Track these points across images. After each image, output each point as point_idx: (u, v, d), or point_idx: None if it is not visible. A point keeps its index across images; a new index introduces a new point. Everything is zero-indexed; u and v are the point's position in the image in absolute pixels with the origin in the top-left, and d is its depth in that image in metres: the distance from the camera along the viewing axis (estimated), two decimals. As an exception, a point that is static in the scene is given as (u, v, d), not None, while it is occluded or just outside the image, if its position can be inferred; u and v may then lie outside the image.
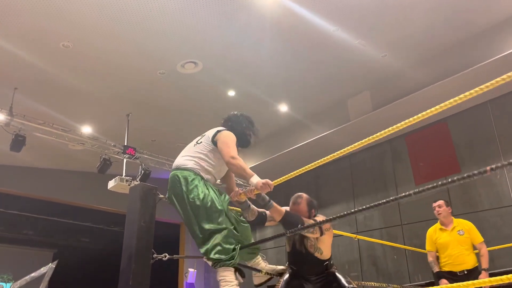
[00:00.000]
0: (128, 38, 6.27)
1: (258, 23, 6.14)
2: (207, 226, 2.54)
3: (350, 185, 9.01)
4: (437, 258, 4.53)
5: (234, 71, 7.25)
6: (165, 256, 2.59)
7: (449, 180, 1.52)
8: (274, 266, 3.07)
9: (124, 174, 8.26)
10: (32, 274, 5.90)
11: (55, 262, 6.08)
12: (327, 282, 2.98)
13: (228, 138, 2.83)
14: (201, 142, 2.91)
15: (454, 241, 4.36)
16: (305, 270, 3.01)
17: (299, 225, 2.70)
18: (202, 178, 2.72)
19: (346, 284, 2.88)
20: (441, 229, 4.49)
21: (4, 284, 9.24)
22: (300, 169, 2.41)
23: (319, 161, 2.24)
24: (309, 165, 2.33)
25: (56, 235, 11.08)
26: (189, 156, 2.84)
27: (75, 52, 6.47)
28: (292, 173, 2.45)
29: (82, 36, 6.15)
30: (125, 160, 8.37)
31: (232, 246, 2.54)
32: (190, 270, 10.06)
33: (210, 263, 2.53)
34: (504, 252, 6.29)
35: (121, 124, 8.36)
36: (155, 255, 2.43)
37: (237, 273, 2.55)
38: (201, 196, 2.60)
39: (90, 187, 10.15)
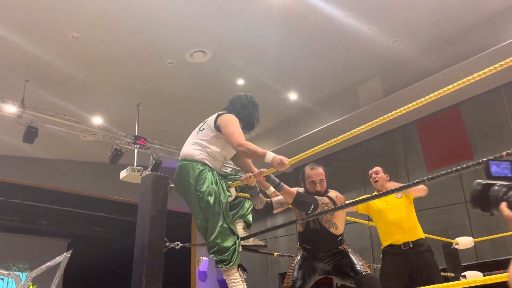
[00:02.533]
0: (136, 28, 6.26)
1: (266, 10, 6.08)
2: (207, 222, 2.54)
3: (361, 172, 8.96)
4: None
5: (243, 59, 7.22)
6: (178, 245, 2.61)
7: (463, 165, 1.50)
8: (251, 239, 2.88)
9: (135, 164, 8.33)
10: (48, 263, 6.02)
11: (70, 252, 6.19)
12: (339, 262, 2.96)
13: (231, 124, 2.76)
14: (203, 129, 2.85)
15: (391, 206, 3.77)
16: (319, 247, 3.00)
17: (312, 205, 2.71)
18: (210, 168, 2.69)
19: (360, 269, 2.84)
20: None
21: (20, 273, 9.42)
22: (314, 149, 2.38)
23: (330, 141, 2.22)
24: (321, 145, 2.31)
25: (70, 225, 11.23)
26: (194, 145, 2.78)
27: (84, 43, 6.49)
28: (305, 153, 2.43)
29: (91, 27, 6.16)
30: (136, 150, 8.42)
31: (230, 244, 2.53)
32: (203, 258, 10.15)
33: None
34: (517, 238, 6.24)
35: (132, 114, 8.41)
36: (167, 244, 2.45)
37: (240, 269, 2.55)
38: (206, 191, 2.58)
39: (102, 177, 10.25)
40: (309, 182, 2.99)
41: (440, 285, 1.58)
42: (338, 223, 3.00)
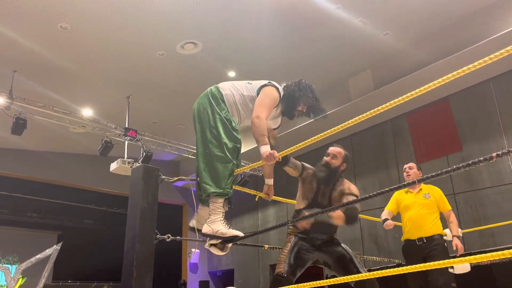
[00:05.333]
0: (127, 19, 6.19)
1: (258, 2, 6.05)
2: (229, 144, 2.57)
3: (351, 164, 9.02)
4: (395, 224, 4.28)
5: (234, 51, 7.19)
6: (168, 237, 2.60)
7: (454, 167, 1.51)
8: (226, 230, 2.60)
9: (126, 156, 8.28)
10: (38, 256, 5.98)
11: (60, 244, 6.15)
12: (337, 253, 2.95)
13: (267, 97, 2.74)
14: (251, 83, 2.86)
15: (417, 203, 4.08)
16: (319, 228, 2.96)
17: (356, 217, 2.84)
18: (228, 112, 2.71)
19: (361, 270, 2.84)
20: (407, 191, 4.26)
21: (10, 266, 9.37)
22: (305, 141, 2.40)
23: (323, 133, 2.23)
24: (312, 138, 2.32)
25: (60, 218, 11.17)
26: (235, 88, 2.80)
27: (73, 34, 6.41)
28: (296, 146, 2.45)
29: (80, 18, 6.08)
30: (126, 143, 8.37)
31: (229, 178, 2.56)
32: (194, 250, 10.18)
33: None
34: (504, 229, 6.34)
35: (122, 106, 8.34)
36: (158, 236, 2.45)
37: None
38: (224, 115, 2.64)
39: (92, 169, 10.20)
40: (326, 153, 3.21)
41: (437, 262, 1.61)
42: (335, 215, 2.98)
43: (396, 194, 4.36)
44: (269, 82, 2.84)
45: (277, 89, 2.85)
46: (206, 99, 2.75)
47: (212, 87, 2.81)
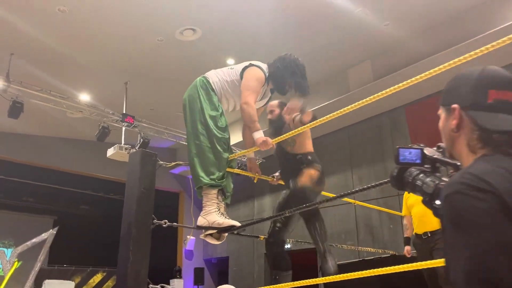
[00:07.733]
0: (126, 3, 6.13)
1: (258, -11, 6.00)
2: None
3: (348, 156, 9.04)
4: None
5: (234, 39, 7.14)
6: (165, 223, 2.61)
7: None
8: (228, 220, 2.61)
9: (123, 142, 8.26)
10: (33, 240, 5.98)
11: (56, 228, 6.16)
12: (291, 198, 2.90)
13: (252, 79, 2.74)
14: (233, 68, 2.88)
15: (419, 200, 4.37)
16: (282, 170, 3.04)
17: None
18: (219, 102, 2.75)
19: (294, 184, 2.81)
20: None
21: (5, 249, 9.38)
22: (298, 129, 2.42)
23: (320, 119, 2.24)
24: (304, 126, 2.33)
25: (56, 203, 11.19)
26: (219, 75, 2.84)
27: (71, 17, 6.34)
28: (289, 133, 2.47)
29: (78, 1, 6.02)
30: (124, 128, 8.34)
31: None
32: (189, 237, 10.21)
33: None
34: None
35: (120, 92, 8.30)
36: (155, 221, 2.45)
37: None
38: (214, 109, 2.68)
39: (89, 155, 10.18)
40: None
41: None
42: (297, 139, 2.96)
43: (405, 195, 4.68)
44: (250, 63, 2.84)
45: (261, 68, 2.83)
46: (195, 90, 2.76)
47: (200, 77, 2.83)
